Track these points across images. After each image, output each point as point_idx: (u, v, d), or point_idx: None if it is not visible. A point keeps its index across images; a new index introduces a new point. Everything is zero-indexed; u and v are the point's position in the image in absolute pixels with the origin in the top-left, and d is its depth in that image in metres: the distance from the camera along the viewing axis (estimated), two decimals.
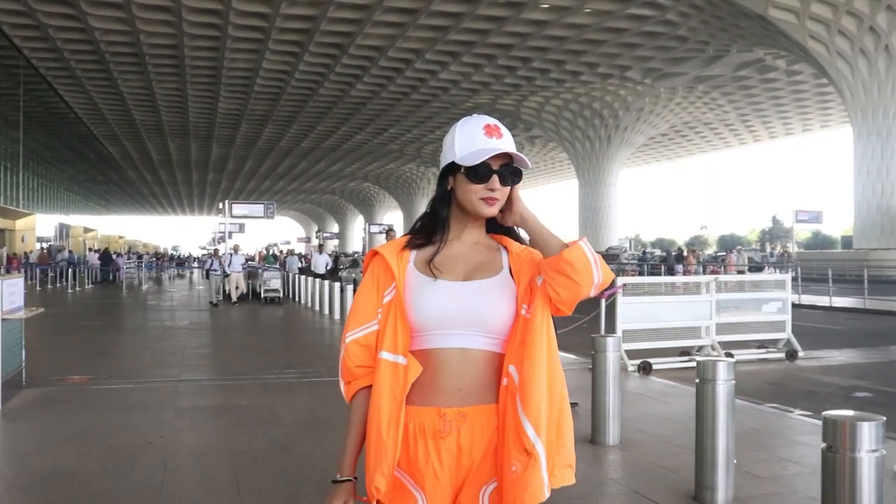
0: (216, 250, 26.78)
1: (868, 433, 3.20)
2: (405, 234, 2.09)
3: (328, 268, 26.69)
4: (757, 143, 63.96)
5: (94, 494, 5.12)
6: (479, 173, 1.92)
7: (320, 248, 31.39)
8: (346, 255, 43.47)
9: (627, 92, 43.39)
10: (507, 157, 1.96)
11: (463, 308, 1.91)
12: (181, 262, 65.80)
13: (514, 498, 1.84)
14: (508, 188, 1.97)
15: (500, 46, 35.10)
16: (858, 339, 14.85)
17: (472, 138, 1.96)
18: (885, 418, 3.26)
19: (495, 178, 1.93)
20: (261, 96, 43.93)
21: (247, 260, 29.03)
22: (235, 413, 7.70)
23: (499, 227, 2.08)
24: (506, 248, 2.04)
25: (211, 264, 25.14)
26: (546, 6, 30.19)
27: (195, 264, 53.92)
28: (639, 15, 31.14)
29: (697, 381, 4.96)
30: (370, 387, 1.95)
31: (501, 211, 2.02)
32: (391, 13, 30.68)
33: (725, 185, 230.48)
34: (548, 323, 1.94)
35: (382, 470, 1.86)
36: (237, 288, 24.41)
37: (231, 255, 24.89)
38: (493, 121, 2.00)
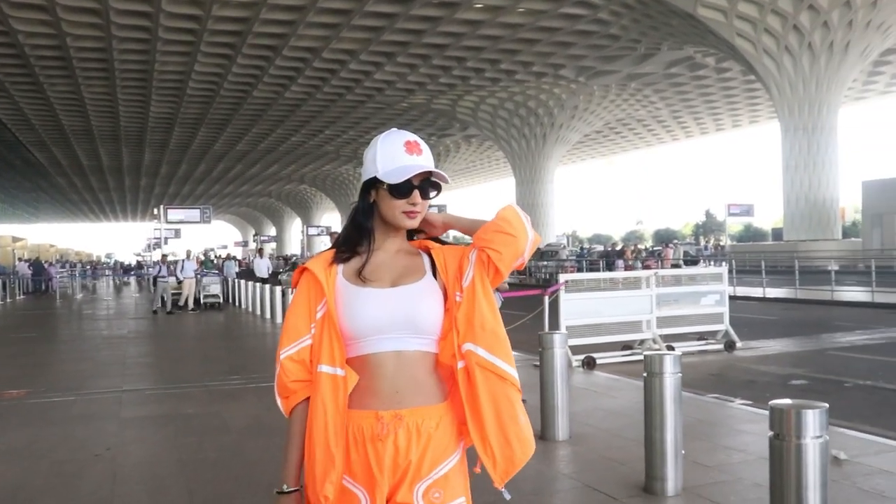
0: (164, 256, 26.12)
1: (813, 420, 3.32)
2: (330, 248, 2.17)
3: (270, 272, 26.38)
4: (689, 139, 65.30)
5: None
6: (401, 190, 2.03)
7: (260, 252, 30.92)
8: (286, 259, 43.09)
9: (562, 90, 43.87)
10: (426, 172, 2.06)
11: (394, 313, 1.99)
12: (127, 270, 64.18)
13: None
14: (428, 201, 2.09)
15: (434, 46, 35.16)
16: (792, 328, 15.29)
17: (394, 155, 2.05)
18: (827, 405, 3.39)
19: (416, 193, 2.04)
20: (193, 99, 43.20)
21: (200, 265, 28.46)
22: (182, 421, 7.60)
23: (415, 233, 2.20)
24: (427, 250, 2.14)
25: (159, 270, 24.35)
26: (480, 6, 30.35)
27: (144, 271, 51.87)
28: (571, 14, 31.52)
29: (645, 374, 5.07)
30: (307, 399, 2.03)
31: (422, 230, 2.16)
32: (325, 14, 30.47)
33: (659, 181, 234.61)
34: (489, 294, 2.04)
35: (331, 478, 1.94)
36: (186, 295, 23.90)
37: (183, 261, 24.42)
38: (413, 137, 2.10)
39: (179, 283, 24.05)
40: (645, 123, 56.47)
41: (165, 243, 32.89)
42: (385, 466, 1.94)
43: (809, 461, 3.33)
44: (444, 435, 2.01)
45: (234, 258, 33.94)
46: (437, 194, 2.10)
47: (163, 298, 23.47)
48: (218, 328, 18.49)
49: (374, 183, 2.08)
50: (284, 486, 2.01)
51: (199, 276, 25.24)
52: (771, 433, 3.45)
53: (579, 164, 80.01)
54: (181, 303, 23.67)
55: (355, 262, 2.08)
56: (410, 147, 2.06)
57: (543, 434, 6.44)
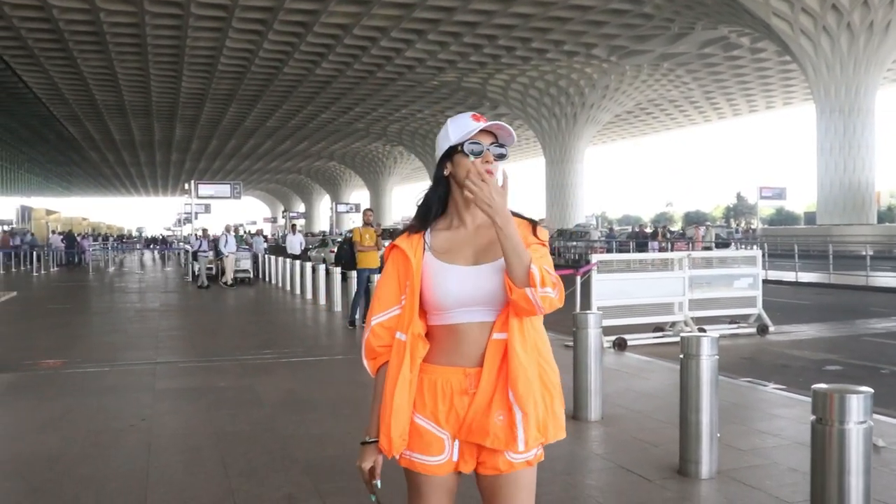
0: (205, 230, 26.14)
1: (857, 405, 3.28)
2: (413, 222, 2.37)
3: (302, 248, 26.44)
4: (721, 121, 64.55)
5: (79, 479, 5.09)
6: (475, 149, 2.23)
7: (293, 228, 30.95)
8: (316, 236, 42.96)
9: (593, 69, 43.48)
10: (493, 138, 2.28)
11: (476, 290, 2.21)
12: (149, 243, 64.52)
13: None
14: (499, 164, 2.27)
15: (465, 24, 34.95)
16: (826, 313, 15.12)
17: (465, 125, 2.26)
18: (871, 391, 3.34)
19: (488, 152, 2.24)
20: (225, 75, 43.35)
21: (242, 240, 28.51)
22: (215, 394, 7.67)
23: None
24: None
25: (200, 245, 24.29)
26: None
27: (170, 245, 51.96)
28: None
29: (681, 356, 5.02)
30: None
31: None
32: None
33: (690, 163, 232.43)
34: None
35: (398, 430, 2.19)
36: (227, 270, 23.76)
37: (227, 235, 24.43)
38: (477, 113, 2.30)
39: (218, 257, 24.11)
40: (677, 104, 55.87)
41: (196, 218, 33.07)
42: (469, 415, 2.19)
43: (852, 446, 3.28)
44: None
45: (262, 234, 34.00)
46: (504, 155, 2.29)
47: (195, 272, 23.64)
48: (249, 303, 18.63)
49: (449, 155, 2.28)
50: (367, 437, 2.28)
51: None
52: (813, 417, 3.41)
53: (609, 144, 79.43)
54: (224, 279, 23.61)
55: (442, 238, 2.29)
56: (477, 117, 2.27)
57: (576, 414, 6.43)
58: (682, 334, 5.73)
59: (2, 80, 43.89)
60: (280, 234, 60.18)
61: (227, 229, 25.47)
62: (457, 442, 2.22)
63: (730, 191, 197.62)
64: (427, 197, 2.35)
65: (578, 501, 4.63)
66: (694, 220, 79.84)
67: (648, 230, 45.10)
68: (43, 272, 32.06)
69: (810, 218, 54.94)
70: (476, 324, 2.21)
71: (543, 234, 2.27)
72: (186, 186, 32.00)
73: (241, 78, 44.01)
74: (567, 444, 5.70)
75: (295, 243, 26.18)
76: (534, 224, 2.27)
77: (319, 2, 31.42)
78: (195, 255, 24.42)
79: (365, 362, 2.35)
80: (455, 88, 47.52)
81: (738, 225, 61.08)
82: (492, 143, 2.26)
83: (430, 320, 2.26)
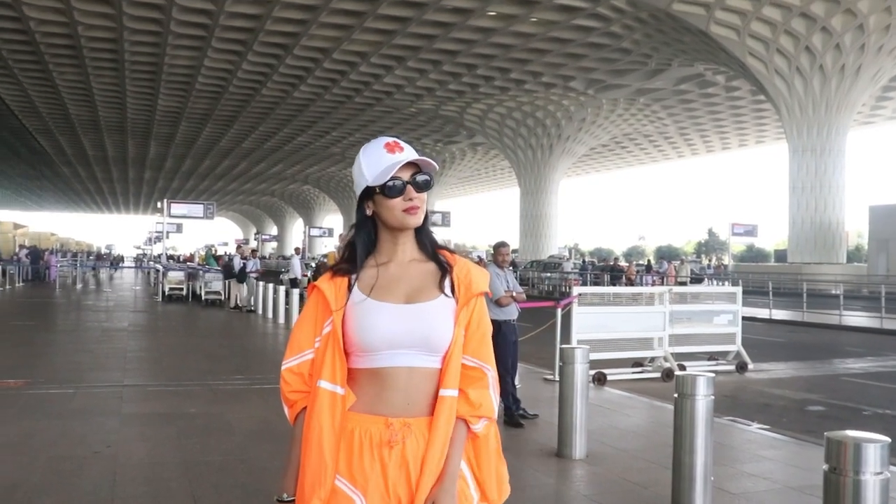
0: (254, 251, 25.12)
1: (873, 455, 3.13)
2: (338, 262, 2.15)
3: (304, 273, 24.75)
4: (694, 156, 65.23)
5: None
6: (394, 188, 2.02)
7: (297, 250, 29.01)
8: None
9: (570, 102, 43.76)
10: (414, 167, 2.06)
11: (408, 330, 1.99)
12: (114, 262, 63.27)
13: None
14: (425, 194, 2.07)
15: (445, 52, 35.05)
16: (802, 351, 15.09)
17: (378, 159, 2.05)
18: (889, 440, 3.19)
19: (409, 188, 2.04)
20: (202, 94, 43.07)
21: (203, 261, 27.78)
22: (185, 421, 7.39)
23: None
24: (449, 265, 2.10)
25: (245, 265, 22.90)
26: (493, 14, 30.23)
27: (152, 264, 49.22)
28: (584, 26, 31.41)
29: (676, 395, 4.87)
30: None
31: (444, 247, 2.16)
32: (337, 15, 30.36)
33: (663, 197, 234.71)
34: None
35: (320, 494, 1.94)
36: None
37: (250, 258, 23.58)
38: (391, 138, 2.10)
39: (232, 278, 23.06)
40: (651, 139, 56.39)
41: (167, 237, 32.64)
42: (390, 474, 1.93)
43: (868, 499, 3.13)
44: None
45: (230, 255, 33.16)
46: (429, 182, 2.07)
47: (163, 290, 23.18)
48: (220, 325, 18.26)
49: (369, 194, 2.08)
50: (284, 495, 2.05)
51: (202, 272, 24.98)
52: (826, 466, 3.25)
53: (584, 176, 79.92)
54: (239, 302, 22.55)
55: (370, 275, 2.07)
56: (390, 147, 2.06)
57: (560, 452, 6.23)
58: (676, 373, 5.58)
59: None
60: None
61: (244, 252, 24.71)
62: None
63: (701, 226, 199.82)
64: (352, 240, 2.13)
65: None
66: (665, 254, 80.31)
67: (623, 264, 45.26)
68: (8, 287, 31.38)
69: (780, 255, 55.48)
70: (404, 368, 1.99)
71: (480, 279, 2.07)
72: (159, 205, 31.63)
73: (218, 98, 43.75)
74: (553, 483, 5.51)
75: (297, 267, 24.56)
76: (478, 260, 2.06)
77: (300, 24, 31.34)
78: (242, 274, 22.75)
79: (284, 408, 2.14)
80: (432, 116, 47.60)
81: (709, 261, 61.49)
82: (414, 174, 2.05)
83: (351, 363, 2.03)
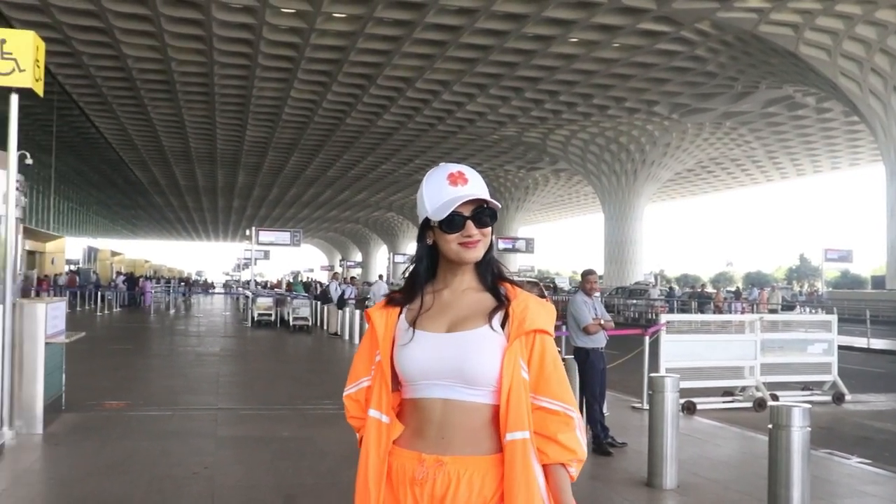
0: (353, 278, 25.56)
1: None
2: (393, 292, 2.15)
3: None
4: (784, 180, 63.55)
5: None
6: (453, 223, 1.98)
7: (381, 277, 29.68)
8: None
9: (654, 127, 43.26)
10: (481, 200, 2.00)
11: (441, 359, 1.96)
12: (205, 287, 64.63)
13: None
14: (489, 229, 2.02)
15: (527, 79, 35.14)
16: None
17: (439, 190, 2.01)
18: None
19: (469, 224, 1.99)
20: (288, 125, 44.17)
21: (289, 287, 28.29)
22: (278, 444, 7.57)
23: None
24: (507, 298, 2.04)
25: (345, 292, 23.21)
26: (574, 40, 30.20)
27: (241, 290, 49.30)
28: (667, 50, 31.07)
29: (770, 426, 4.78)
30: None
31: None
32: (420, 45, 30.80)
33: (751, 222, 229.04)
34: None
35: None
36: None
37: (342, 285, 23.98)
38: (456, 167, 2.05)
39: (329, 302, 23.34)
40: (738, 163, 55.18)
41: (255, 264, 33.44)
42: None
43: None
44: (488, 487, 1.92)
45: (318, 282, 33.91)
46: (494, 221, 2.03)
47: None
48: (307, 351, 18.61)
49: (429, 223, 2.04)
50: None
51: (290, 298, 25.49)
52: None
53: (669, 202, 78.72)
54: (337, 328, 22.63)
55: (424, 302, 2.06)
56: (454, 178, 2.02)
57: (650, 481, 6.17)
58: (770, 403, 5.47)
59: (76, 126, 45.42)
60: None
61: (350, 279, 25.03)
62: None
63: (791, 252, 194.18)
64: (414, 271, 2.11)
65: None
66: (755, 280, 78.21)
67: (710, 290, 44.31)
68: (106, 312, 32.62)
69: (878, 282, 53.21)
70: (439, 400, 1.95)
71: (538, 316, 1.99)
72: (247, 232, 32.44)
73: (304, 128, 44.79)
74: None
75: (378, 292, 24.30)
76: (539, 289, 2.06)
77: (383, 55, 31.91)
78: (341, 301, 22.92)
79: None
80: (515, 143, 47.68)
81: (801, 287, 59.66)
82: (476, 208, 1.99)
83: (402, 393, 2.05)
